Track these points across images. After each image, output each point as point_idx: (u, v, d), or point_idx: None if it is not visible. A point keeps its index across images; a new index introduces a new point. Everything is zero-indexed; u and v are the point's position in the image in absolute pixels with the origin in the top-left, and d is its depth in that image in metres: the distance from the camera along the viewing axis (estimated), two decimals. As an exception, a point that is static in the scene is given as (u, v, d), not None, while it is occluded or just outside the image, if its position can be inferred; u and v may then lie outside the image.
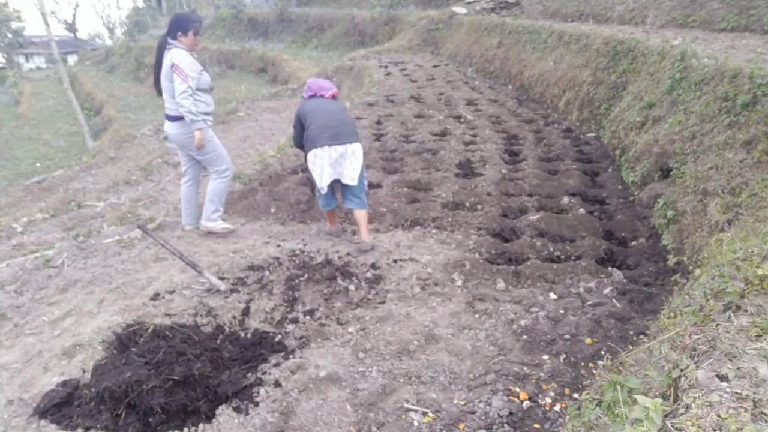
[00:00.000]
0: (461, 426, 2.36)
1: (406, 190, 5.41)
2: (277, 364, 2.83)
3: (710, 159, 3.82)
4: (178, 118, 4.21)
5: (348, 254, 4.10)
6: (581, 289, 3.50)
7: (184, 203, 4.64)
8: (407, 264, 3.97)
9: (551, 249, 4.12)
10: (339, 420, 2.42)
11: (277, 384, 2.65)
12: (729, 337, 1.46)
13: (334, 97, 4.34)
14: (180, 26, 4.14)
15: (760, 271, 1.71)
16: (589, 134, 7.10)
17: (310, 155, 4.08)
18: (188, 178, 4.56)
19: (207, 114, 4.29)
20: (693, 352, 1.47)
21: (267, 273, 3.80)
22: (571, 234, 4.37)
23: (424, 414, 2.44)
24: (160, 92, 4.29)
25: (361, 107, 9.49)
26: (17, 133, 16.97)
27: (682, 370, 1.32)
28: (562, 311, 3.21)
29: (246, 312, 3.34)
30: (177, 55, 4.05)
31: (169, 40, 4.14)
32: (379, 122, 8.42)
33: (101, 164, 10.01)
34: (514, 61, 10.91)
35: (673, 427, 1.18)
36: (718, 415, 1.15)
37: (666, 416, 1.25)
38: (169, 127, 4.33)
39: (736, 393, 1.22)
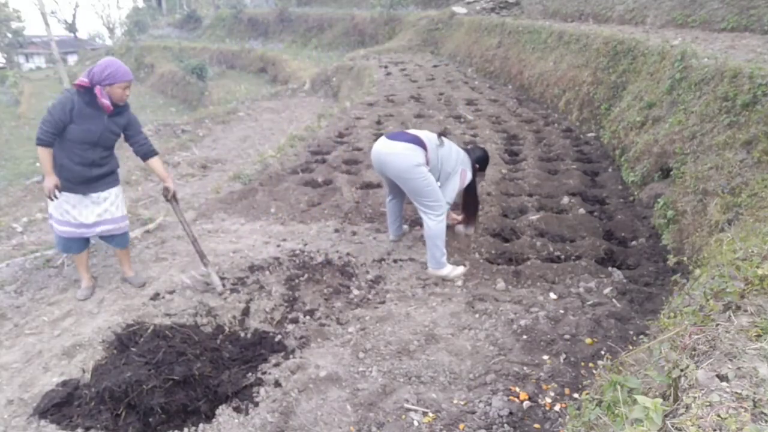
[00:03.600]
0: (461, 426, 2.36)
1: (406, 190, 5.40)
2: (277, 364, 2.83)
3: (710, 159, 3.82)
4: None
5: (348, 254, 4.10)
6: (581, 289, 3.50)
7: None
8: (407, 264, 3.97)
9: (551, 249, 4.12)
10: (339, 420, 2.42)
11: (277, 384, 2.65)
12: (729, 337, 1.46)
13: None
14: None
15: (760, 271, 1.71)
16: (589, 134, 7.10)
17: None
18: None
19: None
20: (693, 352, 1.47)
21: (267, 273, 3.80)
22: (571, 234, 4.37)
23: (424, 414, 2.44)
24: None
25: (361, 107, 9.49)
26: (17, 133, 16.96)
27: (682, 370, 1.32)
28: (562, 311, 3.21)
29: (246, 312, 3.34)
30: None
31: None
32: (379, 122, 8.42)
33: (101, 164, 9.98)
34: (514, 61, 10.91)
35: (673, 427, 1.18)
36: (718, 415, 1.15)
37: (666, 416, 1.25)
38: None
39: (736, 393, 1.22)
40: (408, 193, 3.77)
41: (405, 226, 4.49)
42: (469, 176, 3.92)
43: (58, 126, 3.30)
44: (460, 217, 4.29)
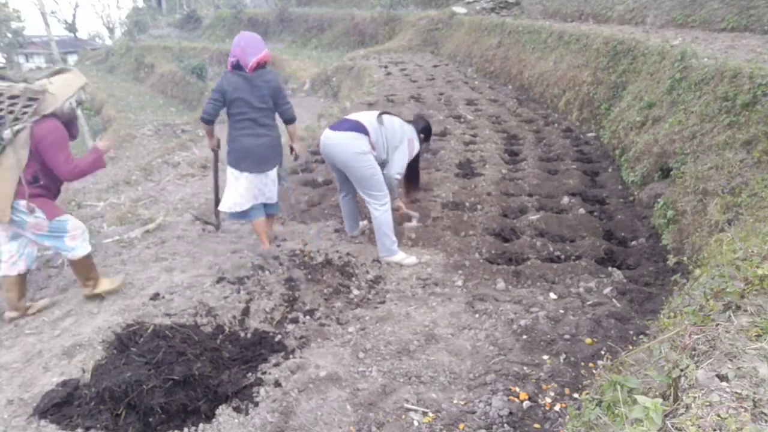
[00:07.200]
0: (461, 426, 2.36)
1: (406, 190, 5.40)
2: (277, 364, 2.83)
3: (710, 159, 3.82)
4: None
5: (348, 254, 4.09)
6: (581, 289, 3.50)
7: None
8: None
9: (551, 249, 4.12)
10: (339, 420, 2.42)
11: (277, 384, 2.65)
12: (729, 337, 1.46)
13: (260, 65, 3.72)
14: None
15: (760, 271, 1.71)
16: (589, 134, 7.10)
17: (230, 173, 3.87)
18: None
19: None
20: (693, 352, 1.47)
21: (267, 273, 3.80)
22: (571, 234, 4.37)
23: (424, 414, 2.44)
24: None
25: (361, 107, 9.48)
26: (17, 133, 16.94)
27: (682, 370, 1.32)
28: (562, 311, 3.21)
29: (246, 312, 3.34)
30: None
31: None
32: (379, 122, 8.41)
33: (101, 164, 9.96)
34: (514, 61, 10.90)
35: (673, 427, 1.18)
36: (718, 415, 1.15)
37: (666, 416, 1.25)
38: None
39: (736, 393, 1.22)
40: (354, 182, 3.93)
41: (363, 222, 4.54)
42: (416, 145, 4.10)
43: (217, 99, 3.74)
44: (403, 203, 4.47)
